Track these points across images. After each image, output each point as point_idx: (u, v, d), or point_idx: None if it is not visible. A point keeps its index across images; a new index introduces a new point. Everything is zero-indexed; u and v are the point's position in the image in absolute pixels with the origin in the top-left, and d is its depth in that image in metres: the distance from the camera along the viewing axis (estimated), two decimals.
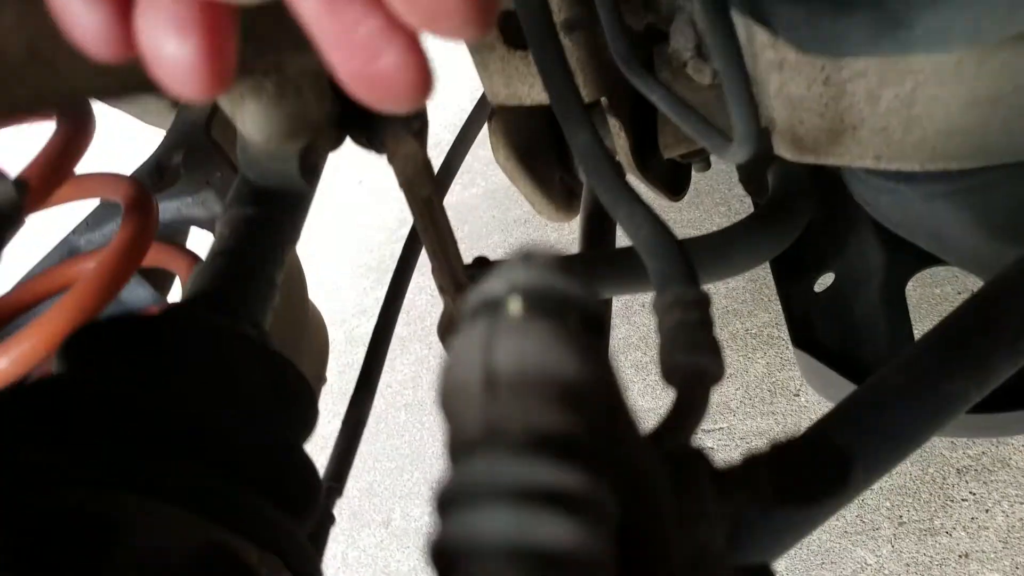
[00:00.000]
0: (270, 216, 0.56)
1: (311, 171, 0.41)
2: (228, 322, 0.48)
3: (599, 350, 0.20)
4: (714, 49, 0.39)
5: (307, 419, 0.46)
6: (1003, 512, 0.94)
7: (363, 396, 0.67)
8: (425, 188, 0.50)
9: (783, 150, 0.53)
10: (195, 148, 0.76)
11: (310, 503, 0.42)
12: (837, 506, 0.38)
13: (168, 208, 0.76)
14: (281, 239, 0.57)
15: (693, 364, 0.32)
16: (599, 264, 0.61)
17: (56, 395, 0.35)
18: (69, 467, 0.34)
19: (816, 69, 0.47)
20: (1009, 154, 0.47)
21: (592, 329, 0.21)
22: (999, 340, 0.40)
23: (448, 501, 0.17)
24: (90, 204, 0.79)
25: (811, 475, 0.35)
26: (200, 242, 0.78)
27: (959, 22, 0.36)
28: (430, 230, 0.52)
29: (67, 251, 0.78)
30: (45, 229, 0.82)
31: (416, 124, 0.47)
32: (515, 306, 0.20)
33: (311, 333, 0.72)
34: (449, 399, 0.19)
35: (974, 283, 1.14)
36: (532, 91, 0.62)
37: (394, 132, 0.46)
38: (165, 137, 0.79)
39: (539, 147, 0.71)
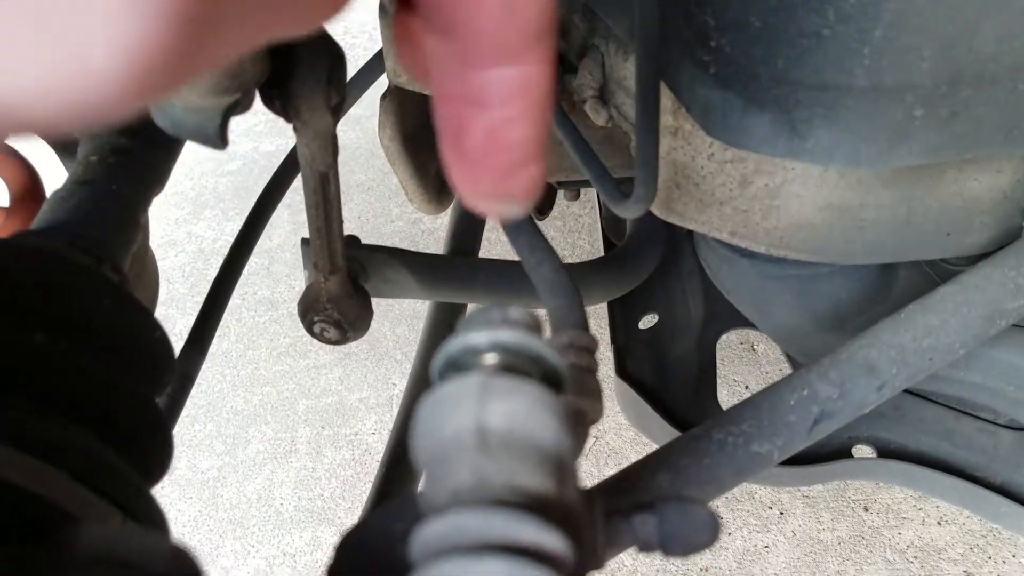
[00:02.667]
0: (145, 152, 0.53)
1: (227, 129, 0.40)
2: (90, 263, 0.45)
3: (567, 414, 0.22)
4: (636, 106, 0.43)
5: (163, 375, 0.45)
6: (743, 537, 1.08)
7: (194, 352, 0.65)
8: (325, 163, 0.50)
9: (655, 207, 0.57)
10: None
11: (164, 461, 0.41)
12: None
13: None
14: (153, 179, 0.54)
15: (577, 405, 0.36)
16: (480, 272, 0.63)
17: None
18: None
19: (705, 144, 0.52)
20: (840, 257, 0.54)
21: (554, 384, 0.23)
22: (805, 416, 0.47)
23: (443, 547, 0.18)
24: None
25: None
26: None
27: (844, 146, 0.42)
28: (320, 206, 0.51)
29: None
30: None
31: (335, 99, 0.46)
32: (494, 359, 0.22)
33: (148, 270, 0.68)
34: (439, 446, 0.20)
35: (758, 337, 1.28)
36: None
37: (311, 104, 0.45)
38: None
39: (424, 136, 0.71)
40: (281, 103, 0.46)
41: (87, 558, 0.21)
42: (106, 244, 0.48)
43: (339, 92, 0.46)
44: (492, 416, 0.20)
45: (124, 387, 0.41)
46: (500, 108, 0.19)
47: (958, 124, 0.39)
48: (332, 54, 0.43)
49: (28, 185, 0.67)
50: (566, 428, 0.21)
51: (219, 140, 0.40)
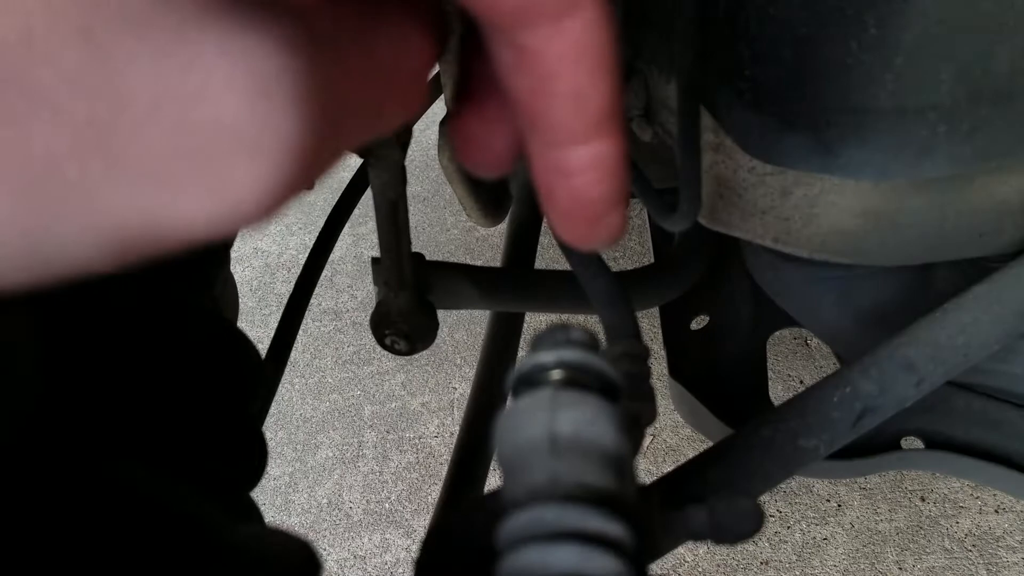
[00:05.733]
0: None
1: None
2: (189, 295, 0.51)
3: (624, 420, 0.26)
4: (678, 134, 0.46)
5: (257, 392, 0.50)
6: (801, 530, 1.10)
7: (274, 366, 0.71)
8: (395, 192, 0.54)
9: (700, 216, 0.61)
10: None
11: (260, 468, 0.46)
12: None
13: None
14: None
15: (633, 409, 0.40)
16: (538, 283, 0.67)
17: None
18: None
19: (746, 159, 0.55)
20: (879, 259, 0.57)
21: (611, 394, 0.27)
22: (848, 413, 0.50)
23: (526, 535, 0.23)
24: None
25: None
26: None
27: (874, 161, 0.45)
28: (391, 230, 0.56)
29: None
30: None
31: (404, 135, 0.51)
32: (560, 375, 0.26)
33: (229, 290, 0.74)
34: (517, 451, 0.24)
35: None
36: None
37: (383, 142, 0.50)
38: None
39: None
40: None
41: (239, 553, 0.25)
42: (201, 273, 0.53)
43: (407, 129, 0.50)
44: (561, 424, 0.24)
45: (226, 405, 0.46)
46: (579, 176, 0.23)
47: (980, 138, 0.42)
48: None
49: None
50: (623, 433, 0.25)
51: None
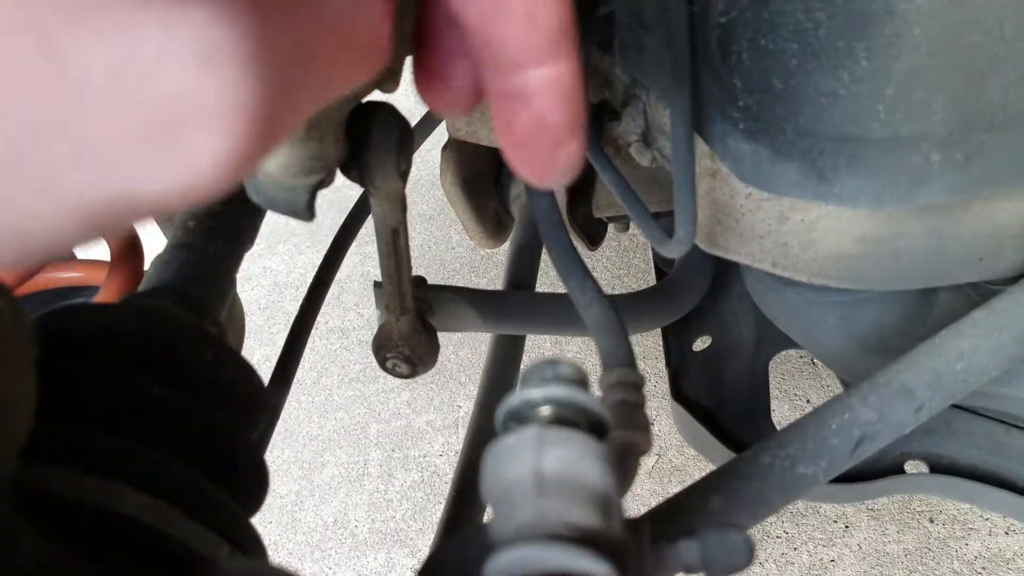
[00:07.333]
0: (237, 216, 0.59)
1: (314, 204, 0.45)
2: (193, 319, 0.51)
3: (611, 458, 0.26)
4: (674, 162, 0.47)
5: (259, 415, 0.50)
6: (808, 552, 1.09)
7: (280, 386, 0.71)
8: (396, 220, 0.55)
9: (699, 240, 0.61)
10: None
11: (260, 494, 0.46)
12: None
13: None
14: (244, 238, 0.60)
15: (628, 438, 0.40)
16: (538, 307, 0.68)
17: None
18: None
19: (742, 185, 0.56)
20: (878, 284, 0.57)
21: (599, 431, 0.27)
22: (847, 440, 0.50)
23: (510, 575, 0.23)
24: None
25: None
26: None
27: (868, 190, 0.45)
28: (392, 256, 0.57)
29: None
30: None
31: (404, 165, 0.51)
32: (548, 412, 0.27)
33: (236, 313, 0.75)
34: (504, 488, 0.25)
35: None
36: (491, 135, 0.68)
37: (384, 172, 0.51)
38: None
39: (482, 179, 0.77)
40: (358, 173, 0.51)
41: None
42: (205, 301, 0.54)
43: (407, 159, 0.51)
44: (547, 462, 0.25)
45: (226, 429, 0.47)
46: (537, 100, 0.24)
47: (974, 167, 0.42)
48: (400, 127, 0.48)
49: (128, 242, 0.75)
50: (610, 470, 0.25)
51: (308, 214, 0.45)
